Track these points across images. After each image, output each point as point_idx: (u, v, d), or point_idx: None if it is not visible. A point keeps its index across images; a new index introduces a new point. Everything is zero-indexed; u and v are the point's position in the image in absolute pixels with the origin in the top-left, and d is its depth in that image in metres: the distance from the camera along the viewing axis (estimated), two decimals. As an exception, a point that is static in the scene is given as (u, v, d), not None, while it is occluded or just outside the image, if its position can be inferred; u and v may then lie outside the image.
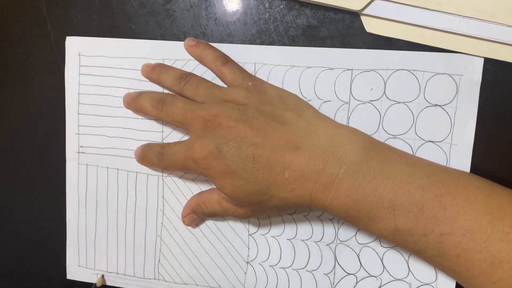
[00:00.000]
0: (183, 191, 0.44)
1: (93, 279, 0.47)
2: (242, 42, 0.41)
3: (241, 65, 0.41)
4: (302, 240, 0.42)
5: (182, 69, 0.42)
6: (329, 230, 0.41)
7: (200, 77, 0.40)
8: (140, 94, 0.41)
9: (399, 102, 0.39)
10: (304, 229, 0.42)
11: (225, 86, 0.40)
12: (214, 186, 0.39)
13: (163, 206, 0.44)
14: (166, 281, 0.45)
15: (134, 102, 0.42)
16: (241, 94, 0.37)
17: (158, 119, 0.42)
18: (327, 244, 0.41)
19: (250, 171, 0.34)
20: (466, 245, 0.31)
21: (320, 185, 0.33)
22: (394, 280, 0.40)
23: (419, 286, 0.40)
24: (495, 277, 0.30)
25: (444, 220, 0.31)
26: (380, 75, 0.39)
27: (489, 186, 0.33)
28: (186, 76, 0.40)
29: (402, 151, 0.35)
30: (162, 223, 0.45)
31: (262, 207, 0.36)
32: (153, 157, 0.41)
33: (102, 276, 0.47)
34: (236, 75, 0.39)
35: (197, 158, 0.35)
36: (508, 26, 0.35)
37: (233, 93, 0.37)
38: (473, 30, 0.36)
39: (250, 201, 0.35)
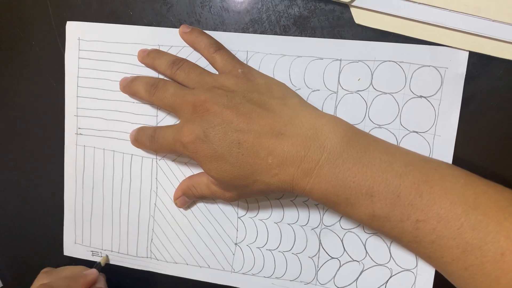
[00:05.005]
0: (176, 173, 0.45)
1: (88, 256, 0.49)
2: (235, 30, 0.42)
3: (234, 53, 0.42)
4: (288, 223, 0.43)
5: (177, 55, 0.43)
6: (315, 215, 0.43)
7: (192, 63, 0.42)
8: (135, 79, 0.43)
9: (385, 93, 0.40)
10: (291, 214, 0.43)
11: (217, 72, 0.41)
12: (204, 170, 0.40)
13: (157, 187, 0.46)
14: (157, 260, 0.47)
15: (129, 86, 0.43)
16: (230, 81, 0.38)
17: (150, 103, 0.44)
18: (312, 229, 0.43)
19: (235, 156, 0.35)
20: (440, 232, 0.32)
21: (302, 170, 0.34)
22: (376, 265, 0.42)
23: (400, 272, 0.41)
24: (467, 263, 0.32)
25: (420, 207, 0.32)
26: (368, 66, 0.40)
27: (466, 176, 0.34)
28: (179, 62, 0.41)
29: (382, 140, 0.36)
30: (155, 204, 0.46)
31: (246, 191, 0.37)
32: (145, 139, 0.42)
33: (107, 256, 0.48)
34: (227, 62, 0.40)
35: (185, 141, 0.37)
36: (493, 20, 0.36)
37: (222, 79, 0.38)
38: (458, 24, 0.37)
39: (235, 185, 0.37)
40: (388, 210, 0.33)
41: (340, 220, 0.42)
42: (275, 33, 0.41)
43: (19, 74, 0.49)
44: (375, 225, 0.35)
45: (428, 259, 0.35)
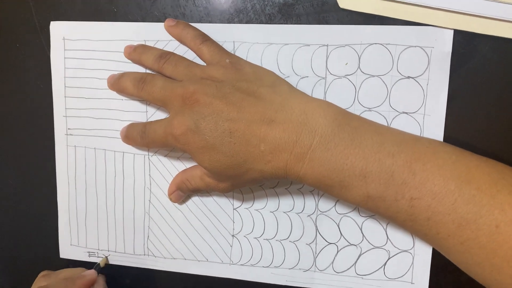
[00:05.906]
0: (169, 169, 0.45)
1: (85, 257, 0.49)
2: (221, 21, 0.42)
3: (221, 43, 0.42)
4: (284, 212, 0.43)
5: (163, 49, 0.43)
6: (310, 201, 0.43)
7: (179, 55, 0.41)
8: (123, 75, 0.43)
9: (373, 76, 0.40)
10: (286, 202, 0.43)
11: (205, 64, 0.41)
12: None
13: (150, 184, 0.46)
14: (155, 256, 0.47)
15: (117, 83, 0.43)
16: (218, 71, 0.38)
17: (139, 98, 0.44)
18: (308, 215, 0.43)
19: (227, 145, 0.35)
20: (435, 208, 0.32)
21: (294, 156, 0.34)
22: (374, 248, 0.42)
23: (398, 253, 0.41)
24: (463, 237, 0.32)
25: (414, 185, 0.33)
26: (355, 50, 0.40)
27: (457, 152, 0.34)
28: (166, 55, 0.41)
29: (373, 122, 0.37)
30: (149, 200, 0.46)
31: (240, 180, 0.37)
32: (136, 135, 0.42)
33: (106, 257, 0.48)
34: (214, 53, 0.40)
35: (176, 133, 0.36)
36: (476, -3, 0.36)
37: (210, 70, 0.38)
38: (442, 3, 0.37)
39: (229, 175, 0.37)
40: (382, 190, 0.33)
41: (335, 205, 0.42)
42: (261, 22, 0.41)
43: (4, 77, 0.48)
44: (370, 206, 0.35)
45: (424, 237, 0.35)
